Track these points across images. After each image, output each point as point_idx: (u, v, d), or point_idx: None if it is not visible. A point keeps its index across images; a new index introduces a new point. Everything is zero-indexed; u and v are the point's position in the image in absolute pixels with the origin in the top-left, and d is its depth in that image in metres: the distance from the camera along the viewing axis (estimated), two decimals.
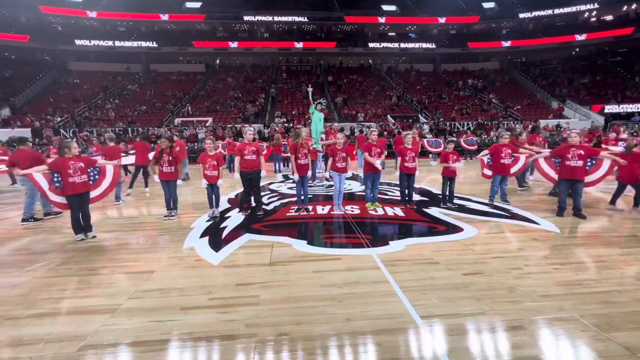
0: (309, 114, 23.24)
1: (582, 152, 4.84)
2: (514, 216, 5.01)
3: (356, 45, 33.29)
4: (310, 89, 9.23)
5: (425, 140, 13.62)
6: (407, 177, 5.64)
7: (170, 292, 2.78)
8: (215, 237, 4.23)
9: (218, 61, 33.91)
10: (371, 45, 33.22)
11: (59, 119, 20.13)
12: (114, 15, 27.86)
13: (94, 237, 4.25)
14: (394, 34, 36.25)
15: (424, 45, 33.95)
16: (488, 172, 6.22)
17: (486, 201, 5.93)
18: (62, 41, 26.41)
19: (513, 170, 6.05)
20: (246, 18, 30.63)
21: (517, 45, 32.21)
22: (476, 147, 14.52)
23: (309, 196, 5.72)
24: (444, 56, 35.39)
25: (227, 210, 5.66)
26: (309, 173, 5.46)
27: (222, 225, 4.73)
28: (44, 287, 2.93)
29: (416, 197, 6.48)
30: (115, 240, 4.21)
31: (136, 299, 2.67)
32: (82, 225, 4.19)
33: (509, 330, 2.18)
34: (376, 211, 5.39)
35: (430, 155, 13.53)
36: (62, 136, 18.43)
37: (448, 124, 22.68)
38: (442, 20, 32.59)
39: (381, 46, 33.43)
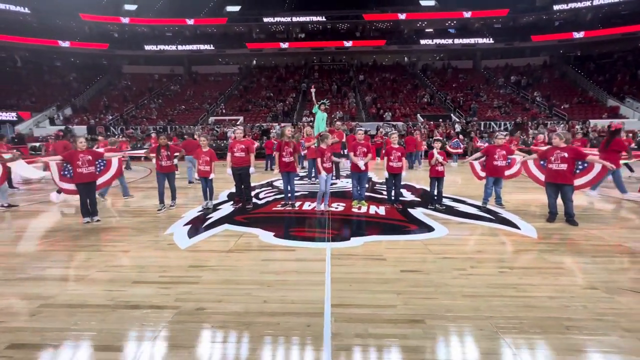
0: (335, 113, 23.27)
1: (566, 155, 4.50)
2: (499, 220, 4.84)
3: (393, 42, 32.66)
4: (313, 90, 9.46)
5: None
6: (394, 176, 5.66)
7: (132, 269, 3.22)
8: (196, 225, 4.66)
9: (255, 62, 35.35)
10: (407, 42, 32.53)
11: (110, 117, 22.42)
12: (143, 21, 30.34)
13: (98, 220, 4.89)
14: (431, 30, 35.06)
15: (464, 40, 32.50)
16: (482, 173, 6.01)
17: (478, 203, 5.74)
18: (120, 47, 29.44)
19: (508, 173, 5.78)
20: (277, 19, 31.54)
21: (571, 37, 29.49)
22: (462, 150, 14.11)
23: (305, 193, 5.94)
24: (485, 52, 33.54)
25: (222, 202, 6.10)
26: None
27: (209, 216, 5.16)
28: (39, 257, 3.52)
29: (411, 197, 6.45)
30: (113, 224, 4.82)
31: (102, 272, 3.14)
32: (89, 210, 4.85)
33: (403, 322, 2.27)
34: (360, 209, 5.50)
35: (452, 157, 13.06)
36: (112, 132, 20.53)
37: (482, 123, 21.55)
38: (467, 14, 30.87)
39: (421, 43, 32.53)
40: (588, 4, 28.87)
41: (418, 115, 23.35)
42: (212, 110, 24.51)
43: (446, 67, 33.26)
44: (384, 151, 5.85)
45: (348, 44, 31.89)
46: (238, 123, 21.94)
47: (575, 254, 3.52)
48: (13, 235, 4.42)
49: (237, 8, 34.16)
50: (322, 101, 8.17)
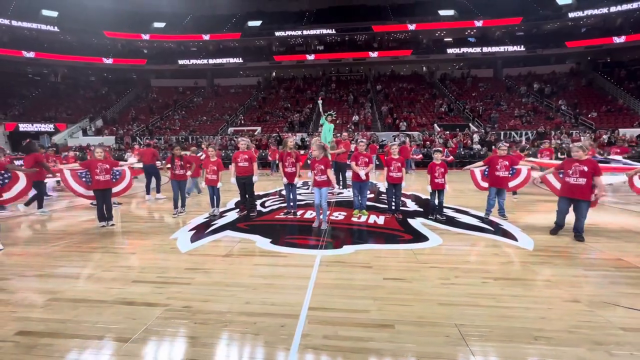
0: (351, 122, 23.47)
1: (586, 169, 4.23)
2: (499, 231, 4.79)
3: (420, 52, 32.74)
4: (320, 102, 9.72)
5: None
6: (394, 186, 5.72)
7: (134, 269, 3.49)
8: (200, 231, 4.93)
9: (274, 74, 36.40)
10: (427, 52, 32.51)
11: (136, 128, 23.71)
12: (162, 37, 32.17)
13: (112, 225, 5.28)
14: (450, 39, 34.87)
15: (484, 48, 32.07)
16: (484, 183, 5.95)
17: (480, 214, 5.69)
18: (155, 62, 31.34)
19: (512, 184, 5.69)
20: (288, 33, 32.54)
21: (601, 43, 28.40)
22: (421, 157, 14.44)
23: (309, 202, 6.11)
24: (507, 60, 32.87)
25: (229, 210, 6.38)
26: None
27: (214, 222, 5.43)
28: (55, 257, 3.88)
29: (415, 207, 6.47)
30: (125, 229, 5.17)
31: (107, 271, 3.43)
32: (105, 215, 5.24)
33: (373, 327, 2.36)
34: (360, 218, 5.59)
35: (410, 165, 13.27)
36: (137, 143, 21.69)
37: (503, 133, 21.04)
38: (478, 23, 30.50)
39: (443, 52, 32.45)
40: (616, 9, 27.78)
41: (435, 124, 23.12)
42: (231, 121, 25.37)
43: (465, 76, 32.81)
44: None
45: (373, 54, 32.15)
46: (256, 133, 22.60)
47: (568, 266, 3.46)
48: (36, 237, 4.86)
49: (258, 23, 35.50)
50: (329, 112, 8.39)
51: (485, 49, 31.94)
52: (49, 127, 22.98)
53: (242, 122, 25.07)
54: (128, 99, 29.96)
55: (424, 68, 36.51)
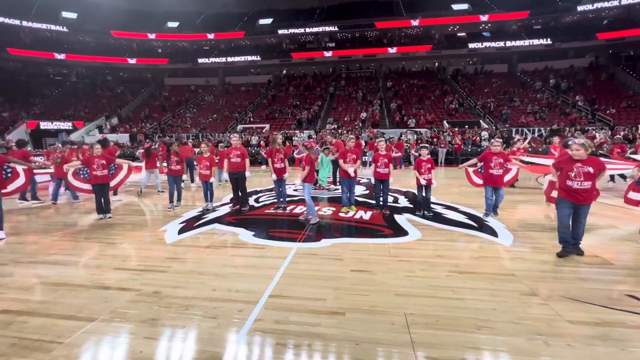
0: (359, 120, 23.36)
1: (591, 170, 3.45)
2: (481, 228, 4.77)
3: (440, 47, 32.26)
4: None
5: None
6: (381, 182, 5.77)
7: (118, 258, 3.71)
8: (190, 224, 5.13)
9: (285, 71, 36.62)
10: (443, 47, 32.00)
11: (149, 126, 24.43)
12: (166, 37, 32.91)
13: (110, 217, 5.56)
14: (463, 34, 34.17)
15: (499, 43, 31.27)
16: (478, 180, 5.91)
17: (472, 211, 5.67)
18: (177, 61, 32.19)
19: (505, 179, 5.59)
20: (291, 31, 32.68)
21: (625, 35, 27.19)
22: (401, 154, 14.11)
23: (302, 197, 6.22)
24: (522, 54, 31.92)
25: (223, 204, 6.58)
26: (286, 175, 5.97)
27: (205, 216, 5.64)
28: (50, 246, 4.16)
29: (406, 203, 6.50)
30: (121, 221, 5.44)
31: (93, 259, 3.67)
32: (102, 207, 5.53)
33: (324, 313, 2.47)
34: (347, 214, 5.68)
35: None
36: (150, 140, 22.36)
37: (514, 130, 20.54)
38: (484, 18, 29.68)
39: (453, 47, 31.86)
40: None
41: (444, 121, 22.79)
42: (241, 119, 25.75)
43: (478, 72, 32.09)
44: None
45: (392, 50, 31.78)
46: (264, 131, 22.87)
47: (540, 262, 3.46)
48: (38, 227, 5.18)
49: (269, 21, 35.78)
50: (326, 147, 8.49)
51: (499, 44, 31.14)
52: (67, 125, 23.98)
53: (251, 119, 25.40)
54: (142, 97, 30.85)
55: (436, 64, 35.94)
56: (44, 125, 23.58)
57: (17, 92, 26.63)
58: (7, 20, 26.36)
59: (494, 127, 20.89)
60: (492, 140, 5.71)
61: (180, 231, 4.75)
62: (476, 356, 1.98)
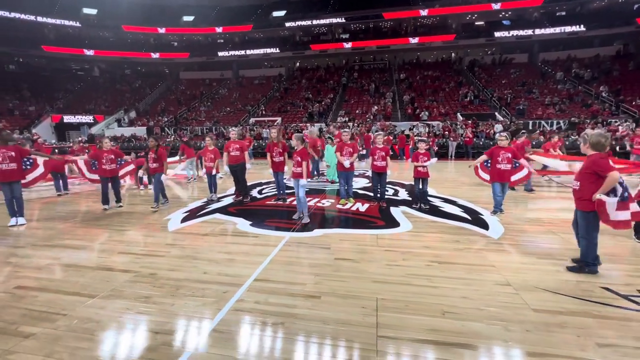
0: (370, 112, 23.18)
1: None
2: (474, 221, 4.81)
3: (464, 37, 31.42)
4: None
5: None
6: (379, 175, 5.86)
7: (122, 243, 4.01)
8: (193, 213, 5.41)
9: (298, 64, 36.62)
10: (468, 36, 31.09)
11: (165, 119, 25.14)
12: (176, 31, 33.17)
13: (120, 206, 5.91)
14: (482, 22, 33.06)
15: (519, 32, 30.12)
16: (485, 175, 5.76)
17: (470, 205, 5.69)
18: (199, 54, 32.82)
19: (514, 178, 5.39)
20: (298, 23, 32.44)
21: None
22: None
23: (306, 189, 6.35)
24: (544, 43, 30.61)
25: (227, 195, 6.85)
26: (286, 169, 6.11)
27: (208, 206, 5.91)
28: (65, 232, 4.52)
29: (405, 196, 6.57)
30: (130, 210, 5.79)
31: (101, 244, 3.99)
32: (107, 199, 5.82)
33: (300, 296, 2.66)
34: (344, 206, 5.82)
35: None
36: (166, 133, 23.06)
37: (531, 122, 19.96)
38: (496, 6, 28.44)
39: (473, 37, 30.94)
40: None
41: (458, 114, 22.33)
42: (253, 112, 26.08)
43: (496, 62, 31.10)
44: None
45: (414, 40, 31.13)
46: (275, 124, 23.10)
47: (523, 254, 3.51)
48: (55, 215, 5.60)
49: (282, 13, 35.70)
50: (329, 136, 8.59)
51: (520, 32, 29.98)
52: (88, 118, 24.99)
53: (264, 112, 25.68)
54: (159, 91, 31.65)
55: (453, 54, 35.03)
56: (67, 118, 24.67)
57: (42, 87, 27.91)
58: (38, 18, 27.51)
59: (508, 120, 20.33)
60: (497, 135, 5.50)
61: (183, 220, 5.04)
62: (433, 337, 2.12)
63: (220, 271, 3.17)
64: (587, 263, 3.04)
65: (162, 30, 32.35)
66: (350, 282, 2.91)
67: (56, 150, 8.88)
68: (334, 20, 32.20)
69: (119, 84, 32.26)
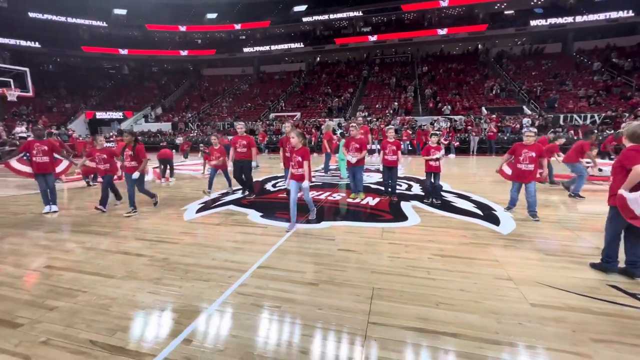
0: (390, 108, 22.82)
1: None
2: (486, 217, 4.72)
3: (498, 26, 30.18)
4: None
5: None
6: (389, 169, 5.84)
7: (141, 230, 4.29)
8: (208, 205, 5.66)
9: (318, 59, 36.59)
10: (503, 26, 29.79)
11: (189, 115, 26.00)
12: (196, 29, 33.92)
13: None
14: (511, 11, 31.55)
15: (552, 20, 28.48)
16: (508, 170, 5.25)
17: (484, 200, 5.58)
18: (225, 50, 33.76)
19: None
20: (315, 18, 32.16)
21: None
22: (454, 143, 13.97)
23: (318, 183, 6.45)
24: (580, 32, 28.79)
25: (241, 189, 7.06)
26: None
27: (222, 198, 6.14)
28: (91, 219, 4.89)
29: (417, 191, 6.53)
30: (151, 200, 6.12)
31: (122, 230, 4.29)
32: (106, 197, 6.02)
33: (300, 284, 2.76)
34: (354, 200, 5.85)
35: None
36: (190, 128, 23.87)
37: (562, 117, 18.95)
38: None
39: (500, 26, 29.56)
40: None
41: (482, 108, 21.56)
42: (273, 107, 26.42)
43: (527, 53, 29.62)
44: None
45: (442, 31, 30.29)
46: (295, 119, 23.31)
47: (530, 250, 3.44)
48: (82, 203, 6.03)
49: (303, 7, 35.70)
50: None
51: (554, 20, 28.32)
52: (118, 114, 26.31)
53: (283, 107, 25.95)
54: (184, 87, 32.73)
55: (479, 46, 33.69)
56: (100, 115, 26.11)
57: (77, 86, 29.63)
58: (73, 20, 29.21)
59: (536, 114, 19.39)
60: (524, 130, 4.90)
61: (198, 210, 5.29)
62: (423, 326, 2.16)
63: (227, 258, 3.34)
64: (602, 258, 2.96)
65: (183, 29, 33.33)
66: (350, 272, 2.98)
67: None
68: (352, 14, 31.81)
69: (146, 82, 33.63)
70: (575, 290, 2.61)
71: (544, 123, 17.48)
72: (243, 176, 6.09)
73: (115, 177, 5.83)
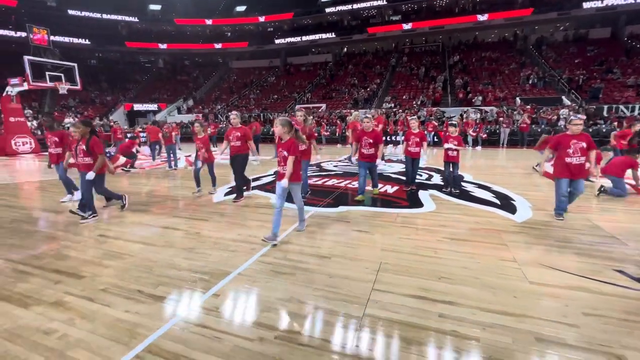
0: (418, 98, 22.35)
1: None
2: (504, 206, 4.75)
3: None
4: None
5: None
6: (412, 160, 5.91)
7: (177, 209, 4.79)
8: (234, 189, 6.09)
9: (345, 49, 36.33)
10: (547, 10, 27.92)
11: (218, 107, 26.98)
12: (222, 22, 34.45)
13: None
14: None
15: (601, 3, 26.30)
16: (551, 169, 4.70)
17: (504, 190, 5.57)
18: (256, 43, 34.67)
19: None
20: (336, 9, 31.51)
21: None
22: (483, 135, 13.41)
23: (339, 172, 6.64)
24: (633, 14, 26.37)
25: (265, 175, 7.47)
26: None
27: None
28: (135, 201, 5.47)
29: (437, 181, 6.59)
30: (182, 185, 6.67)
31: (160, 209, 4.80)
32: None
33: (311, 256, 3.07)
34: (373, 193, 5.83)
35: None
36: (219, 120, 24.80)
37: (606, 107, 17.75)
38: None
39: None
40: None
41: (517, 98, 20.58)
42: (299, 99, 26.75)
43: (569, 39, 27.66)
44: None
45: (482, 17, 28.97)
46: (320, 110, 23.52)
47: (542, 237, 3.50)
48: (128, 189, 6.69)
49: None
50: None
51: (602, 3, 26.09)
52: (154, 106, 27.82)
53: (309, 99, 26.21)
54: (214, 80, 33.85)
55: (517, 32, 31.83)
56: (137, 107, 27.76)
57: (117, 79, 31.58)
58: (113, 17, 31.09)
59: (577, 105, 18.25)
60: (572, 118, 4.12)
61: (226, 194, 5.73)
62: (422, 294, 2.38)
63: (250, 234, 3.71)
64: None
65: (209, 22, 34.23)
66: (360, 249, 3.24)
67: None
68: (377, 3, 31.13)
69: (179, 75, 35.12)
70: (580, 273, 2.70)
71: (585, 114, 16.45)
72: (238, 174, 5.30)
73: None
